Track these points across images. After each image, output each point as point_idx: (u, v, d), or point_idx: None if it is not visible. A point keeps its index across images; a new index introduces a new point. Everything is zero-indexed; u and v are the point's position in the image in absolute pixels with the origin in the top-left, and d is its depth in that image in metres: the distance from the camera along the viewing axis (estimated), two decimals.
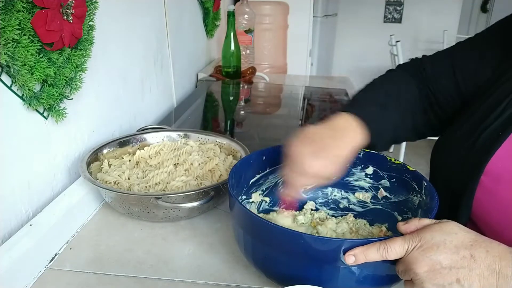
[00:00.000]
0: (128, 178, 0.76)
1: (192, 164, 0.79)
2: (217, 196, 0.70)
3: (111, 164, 0.81)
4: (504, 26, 0.64)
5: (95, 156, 0.79)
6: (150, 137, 0.89)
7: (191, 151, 0.84)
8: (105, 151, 0.82)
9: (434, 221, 0.47)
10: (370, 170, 0.69)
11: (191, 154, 0.83)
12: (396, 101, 0.65)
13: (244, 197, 0.67)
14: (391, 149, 3.11)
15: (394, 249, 0.45)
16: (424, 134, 0.72)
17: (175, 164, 0.81)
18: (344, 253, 0.46)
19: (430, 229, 0.45)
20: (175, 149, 0.86)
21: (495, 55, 0.63)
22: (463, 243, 0.43)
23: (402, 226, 0.48)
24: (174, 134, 0.91)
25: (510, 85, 0.56)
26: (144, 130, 0.92)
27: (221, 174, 0.79)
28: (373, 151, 0.68)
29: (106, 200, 0.75)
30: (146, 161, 0.83)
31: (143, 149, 0.84)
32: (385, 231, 0.64)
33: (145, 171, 0.79)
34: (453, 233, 0.44)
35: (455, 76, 0.65)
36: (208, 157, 0.83)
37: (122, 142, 0.86)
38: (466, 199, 0.58)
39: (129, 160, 0.83)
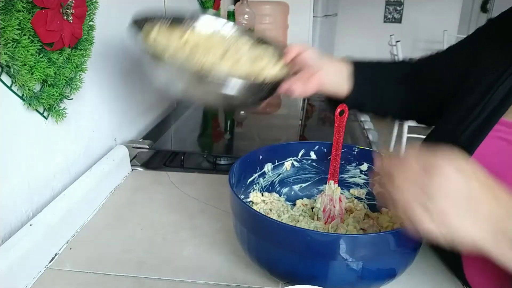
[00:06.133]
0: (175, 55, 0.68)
1: (240, 59, 0.70)
2: (258, 94, 0.65)
3: (159, 35, 0.71)
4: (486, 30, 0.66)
5: (143, 23, 0.71)
6: (203, 23, 0.80)
7: (242, 48, 0.75)
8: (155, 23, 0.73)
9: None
10: (364, 166, 0.70)
11: (240, 50, 0.74)
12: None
13: (242, 196, 0.67)
14: (391, 149, 3.11)
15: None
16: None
17: (222, 54, 0.71)
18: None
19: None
20: (225, 40, 0.77)
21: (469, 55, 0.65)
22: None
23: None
24: (228, 27, 0.81)
25: (486, 87, 0.57)
26: (198, 15, 0.81)
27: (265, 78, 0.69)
28: (368, 148, 0.70)
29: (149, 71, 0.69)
30: (194, 44, 0.72)
31: (194, 32, 0.76)
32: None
33: (192, 52, 0.69)
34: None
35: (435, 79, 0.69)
36: (257, 57, 0.73)
37: (175, 19, 0.77)
38: None
39: (179, 38, 0.73)
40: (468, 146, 0.55)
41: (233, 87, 0.59)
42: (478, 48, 0.63)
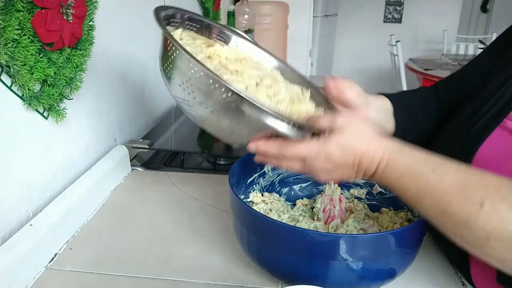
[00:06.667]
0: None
1: (278, 94, 0.57)
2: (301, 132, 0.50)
3: (181, 39, 0.59)
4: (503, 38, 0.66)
5: (166, 22, 0.58)
6: (235, 41, 0.66)
7: (278, 82, 0.61)
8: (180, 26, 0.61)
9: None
10: None
11: (276, 84, 0.60)
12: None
13: (242, 196, 0.67)
14: None
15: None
16: None
17: (256, 84, 0.58)
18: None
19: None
20: (258, 69, 0.63)
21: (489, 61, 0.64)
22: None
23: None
24: (263, 56, 0.68)
25: (499, 82, 0.57)
26: (230, 33, 0.67)
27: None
28: None
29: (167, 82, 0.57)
30: (220, 62, 0.59)
31: (222, 48, 0.61)
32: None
33: (219, 70, 0.57)
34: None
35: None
36: (296, 96, 0.60)
37: (205, 26, 0.64)
38: None
39: (204, 46, 0.61)
40: (478, 137, 0.56)
41: (272, 125, 0.46)
42: (504, 47, 0.63)
